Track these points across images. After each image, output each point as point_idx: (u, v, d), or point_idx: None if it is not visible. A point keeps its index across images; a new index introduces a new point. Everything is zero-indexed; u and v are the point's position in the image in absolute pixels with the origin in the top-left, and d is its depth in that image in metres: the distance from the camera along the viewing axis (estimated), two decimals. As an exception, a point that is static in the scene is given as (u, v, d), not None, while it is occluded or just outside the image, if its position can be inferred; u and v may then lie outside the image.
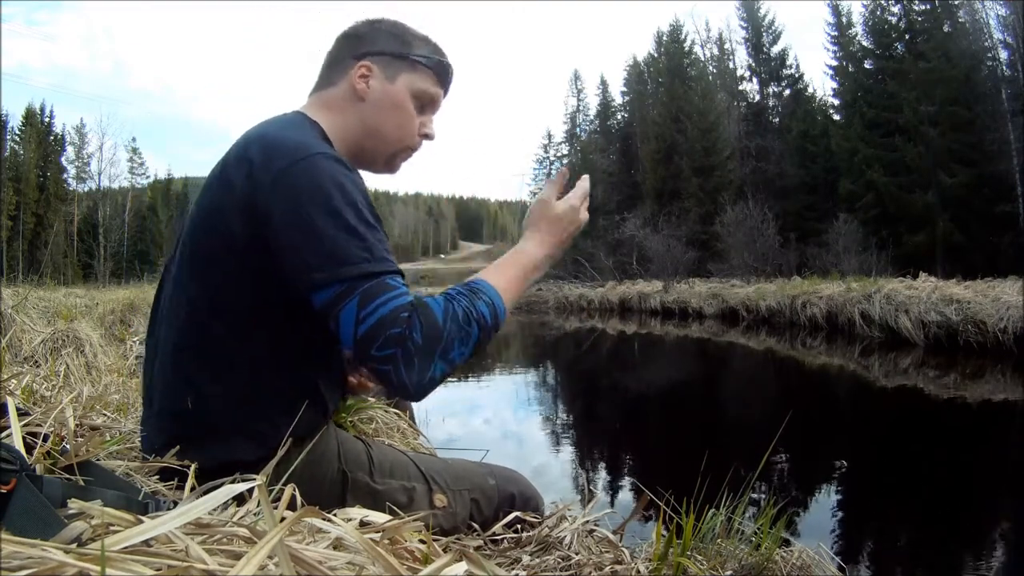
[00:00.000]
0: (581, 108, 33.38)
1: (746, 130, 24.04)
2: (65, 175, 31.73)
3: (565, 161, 32.95)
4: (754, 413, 3.92)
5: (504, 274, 0.84)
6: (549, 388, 5.77)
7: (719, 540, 0.87)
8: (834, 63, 21.75)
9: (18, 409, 0.72)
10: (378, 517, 0.64)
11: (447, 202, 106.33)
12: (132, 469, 0.91)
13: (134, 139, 43.25)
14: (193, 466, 0.82)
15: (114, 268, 26.62)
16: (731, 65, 25.87)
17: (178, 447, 0.81)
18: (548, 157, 34.29)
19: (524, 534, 0.91)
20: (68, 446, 0.70)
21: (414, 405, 1.45)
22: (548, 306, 15.98)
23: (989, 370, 4.74)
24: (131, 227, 32.59)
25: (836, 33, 21.70)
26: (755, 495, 1.79)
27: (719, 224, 17.58)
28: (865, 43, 19.64)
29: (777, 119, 24.25)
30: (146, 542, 0.43)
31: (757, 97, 25.17)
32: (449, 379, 0.78)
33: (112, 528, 0.47)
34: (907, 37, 18.03)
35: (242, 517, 0.57)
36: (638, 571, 0.78)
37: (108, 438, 1.00)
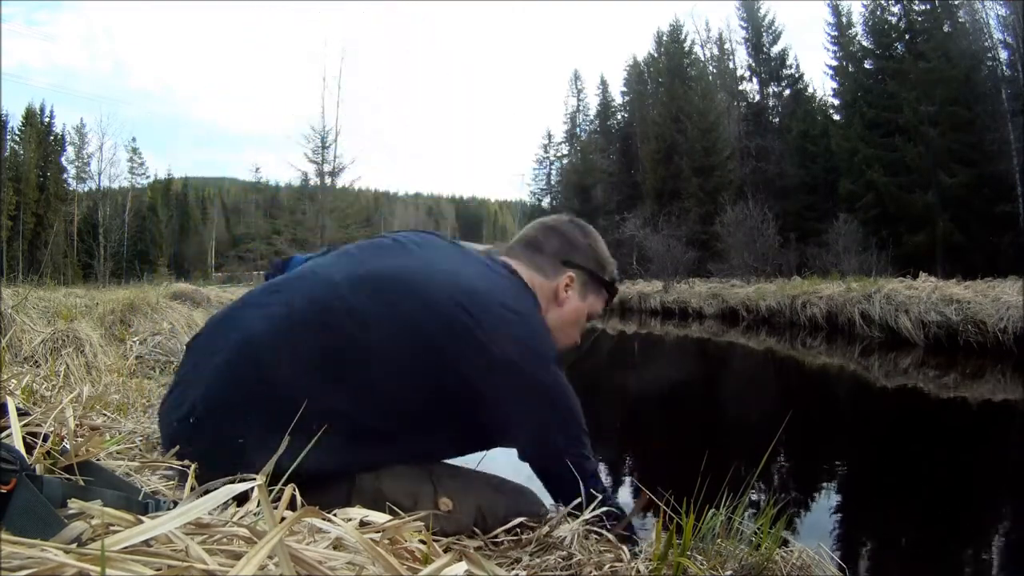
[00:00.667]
0: (581, 108, 33.42)
1: (746, 130, 24.05)
2: (65, 175, 31.76)
3: (565, 161, 32.96)
4: (754, 413, 3.92)
5: None
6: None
7: (719, 540, 0.87)
8: (834, 63, 21.77)
9: (18, 409, 0.72)
10: (378, 517, 0.64)
11: (447, 202, 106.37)
12: (132, 469, 0.91)
13: (134, 139, 43.29)
14: (193, 466, 0.82)
15: (114, 268, 26.63)
16: (731, 65, 25.90)
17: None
18: (548, 157, 34.31)
19: (524, 535, 0.91)
20: (68, 446, 0.70)
21: None
22: (548, 306, 15.93)
23: (989, 370, 4.74)
24: (131, 227, 32.60)
25: (836, 33, 21.71)
26: (755, 495, 1.80)
27: (719, 224, 17.58)
28: (865, 43, 19.65)
29: (777, 119, 24.26)
30: (146, 542, 0.43)
31: (757, 97, 25.19)
32: None
33: (112, 528, 0.47)
34: (907, 37, 18.04)
35: (242, 517, 0.57)
36: (638, 571, 0.78)
37: (108, 438, 1.00)
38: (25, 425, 0.73)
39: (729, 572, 0.81)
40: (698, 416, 3.91)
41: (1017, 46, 15.43)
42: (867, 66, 19.40)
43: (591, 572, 0.79)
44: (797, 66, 24.34)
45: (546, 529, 0.89)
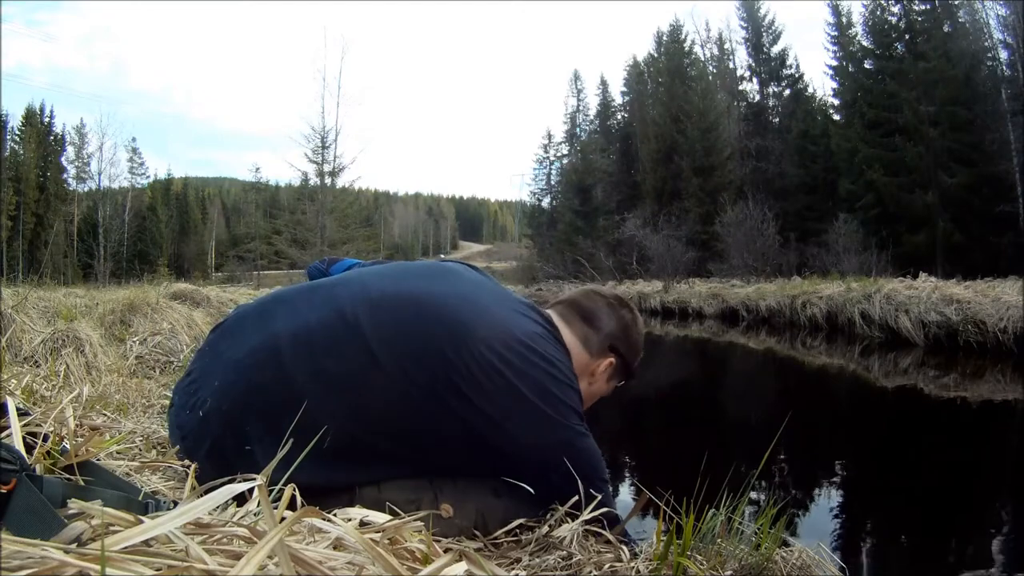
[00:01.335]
0: (581, 108, 33.40)
1: (746, 130, 24.04)
2: (65, 175, 31.73)
3: (565, 161, 32.96)
4: (754, 413, 3.91)
5: None
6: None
7: (719, 540, 0.86)
8: (834, 63, 21.75)
9: (18, 409, 0.72)
10: (378, 517, 0.64)
11: (447, 202, 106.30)
12: (132, 469, 0.91)
13: (134, 139, 43.10)
14: (193, 466, 0.82)
15: (114, 268, 26.61)
16: (731, 65, 25.88)
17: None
18: (548, 157, 34.30)
19: (524, 536, 0.91)
20: (68, 446, 0.70)
21: None
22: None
23: (989, 370, 4.74)
24: (131, 227, 32.56)
25: (836, 33, 21.69)
26: (755, 495, 1.79)
27: (719, 224, 17.57)
28: (865, 43, 19.63)
29: (777, 119, 24.24)
30: (146, 542, 0.43)
31: (757, 97, 25.16)
32: None
33: (112, 528, 0.47)
34: (907, 37, 18.02)
35: (242, 517, 0.57)
36: (638, 571, 0.78)
37: (108, 438, 1.00)
38: (25, 425, 0.73)
39: (729, 572, 0.81)
40: (698, 416, 3.90)
41: (1017, 46, 15.41)
42: (867, 66, 19.38)
43: (591, 572, 0.79)
44: (797, 66, 24.33)
45: (545, 529, 0.89)
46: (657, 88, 27.69)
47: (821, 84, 36.75)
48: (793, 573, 0.83)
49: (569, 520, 0.89)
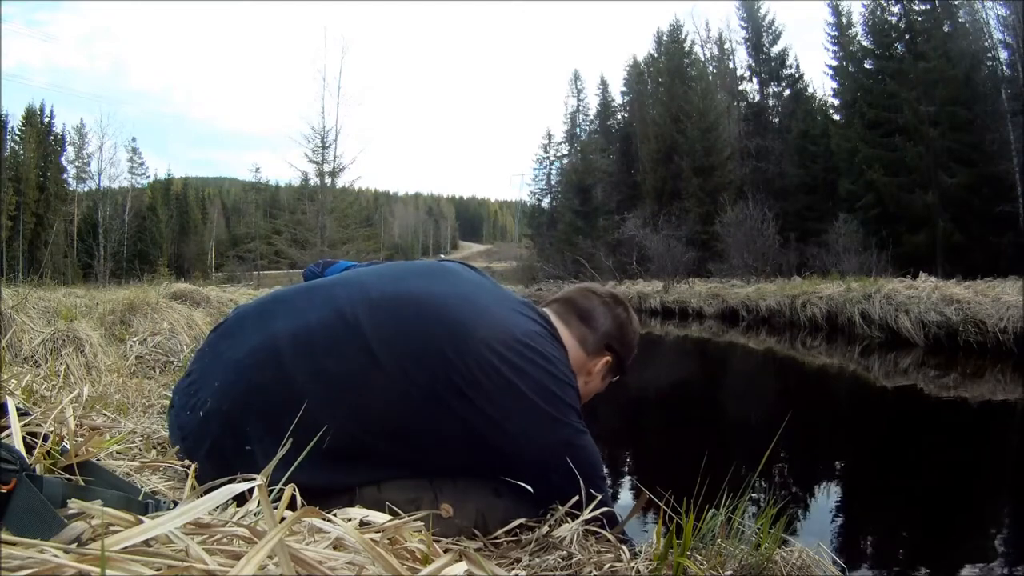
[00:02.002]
0: (581, 108, 33.41)
1: (746, 130, 24.04)
2: (65, 175, 31.73)
3: (565, 161, 32.96)
4: (754, 413, 3.91)
5: None
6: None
7: (719, 540, 0.86)
8: (834, 63, 21.76)
9: (18, 409, 0.72)
10: (378, 517, 0.64)
11: (447, 202, 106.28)
12: (132, 469, 0.91)
13: (134, 139, 43.12)
14: (193, 466, 0.82)
15: (114, 268, 26.61)
16: (731, 65, 25.88)
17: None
18: (548, 157, 34.30)
19: (524, 536, 0.91)
20: (68, 446, 0.70)
21: None
22: (548, 306, 15.91)
23: (989, 370, 4.74)
24: (131, 227, 32.56)
25: (836, 33, 21.69)
26: (755, 495, 1.79)
27: (719, 224, 17.58)
28: (865, 43, 19.63)
29: (777, 119, 24.24)
30: (146, 542, 0.43)
31: (757, 97, 25.16)
32: None
33: (112, 528, 0.47)
34: (907, 37, 18.02)
35: (242, 517, 0.57)
36: (638, 571, 0.78)
37: (108, 438, 1.00)
38: (25, 425, 0.73)
39: (729, 572, 0.81)
40: (698, 416, 3.90)
41: (1017, 46, 15.41)
42: (867, 66, 19.38)
43: (591, 572, 0.79)
44: (797, 66, 24.34)
45: (545, 529, 0.89)
46: (657, 88, 27.70)
47: (821, 84, 36.78)
48: (793, 573, 0.83)
49: (569, 520, 0.89)
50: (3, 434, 0.66)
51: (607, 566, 0.80)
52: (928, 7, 17.75)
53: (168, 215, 38.96)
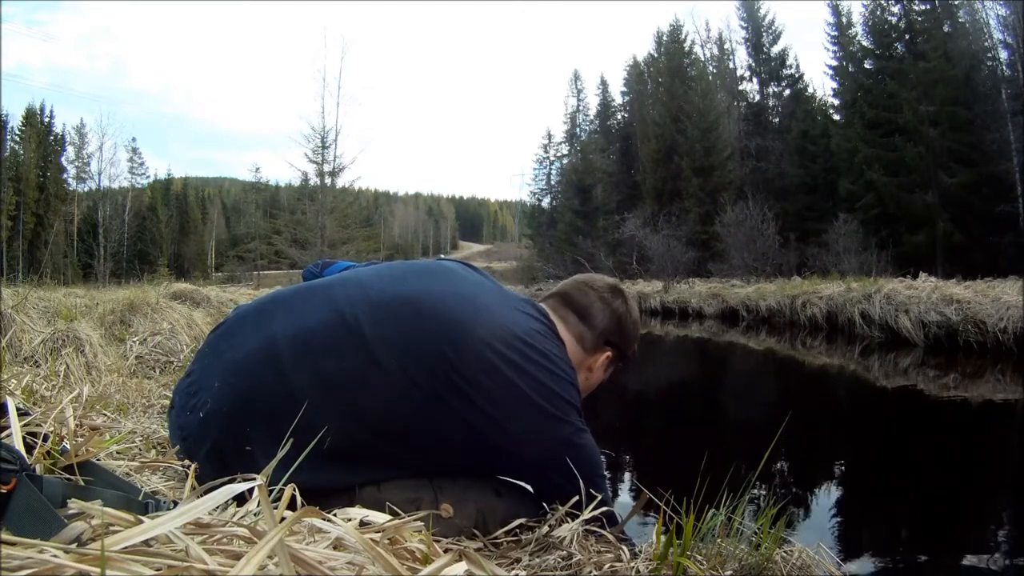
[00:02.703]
0: (581, 108, 33.41)
1: (746, 130, 24.04)
2: (65, 175, 31.74)
3: (565, 161, 32.96)
4: (754, 413, 3.91)
5: None
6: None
7: (719, 540, 0.86)
8: (834, 63, 21.75)
9: (18, 409, 0.72)
10: (378, 517, 0.64)
11: (447, 202, 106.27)
12: (132, 469, 0.91)
13: (134, 139, 43.14)
14: (193, 466, 0.82)
15: (114, 268, 26.61)
16: (731, 65, 25.88)
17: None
18: (548, 157, 34.31)
19: (524, 535, 0.91)
20: (68, 446, 0.70)
21: None
22: (548, 306, 15.91)
23: (989, 370, 4.74)
24: (131, 227, 32.56)
25: (836, 33, 21.69)
26: (755, 495, 1.79)
27: (719, 224, 17.58)
28: (865, 43, 19.64)
29: (777, 119, 24.24)
30: (146, 542, 0.43)
31: (757, 97, 25.17)
32: None
33: (112, 528, 0.47)
34: (907, 37, 18.02)
35: (242, 517, 0.57)
36: (638, 571, 0.78)
37: (108, 438, 1.00)
38: (25, 425, 0.73)
39: (729, 572, 0.81)
40: (698, 416, 3.90)
41: (1017, 46, 15.41)
42: (867, 66, 19.38)
43: (591, 572, 0.79)
44: (797, 66, 24.34)
45: (546, 529, 0.89)
46: (657, 88, 27.69)
47: (821, 84, 36.83)
48: (793, 573, 0.83)
49: (569, 520, 0.89)
50: (3, 434, 0.66)
51: (607, 566, 0.80)
52: (928, 7, 17.75)
53: (168, 215, 38.96)
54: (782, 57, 24.31)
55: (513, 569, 0.80)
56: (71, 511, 0.51)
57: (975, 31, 16.78)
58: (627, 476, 2.58)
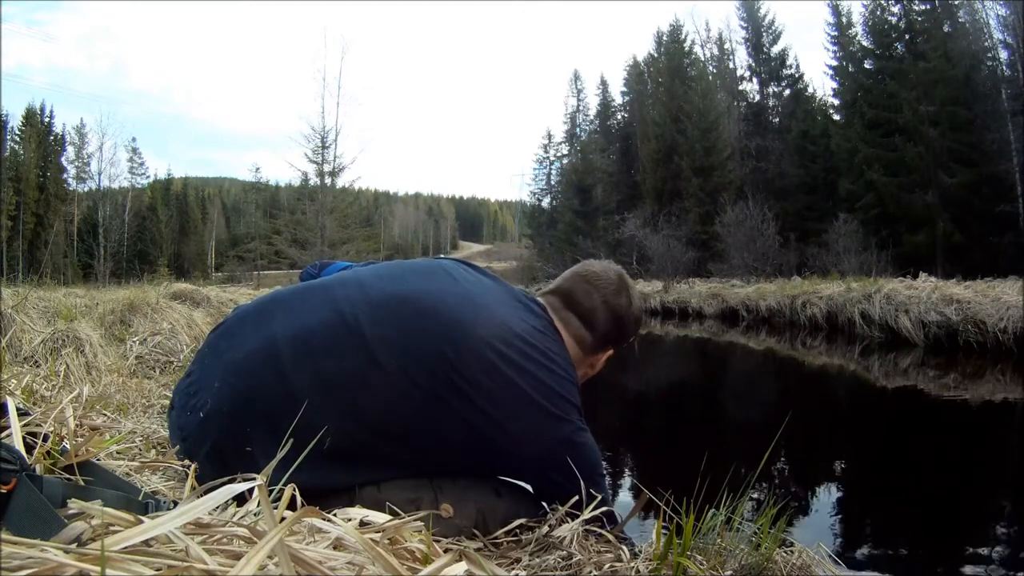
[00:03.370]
0: (581, 108, 33.38)
1: (746, 130, 24.03)
2: (65, 175, 31.71)
3: (565, 161, 32.96)
4: (754, 413, 3.91)
5: None
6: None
7: (719, 540, 0.86)
8: (834, 63, 21.74)
9: (18, 409, 0.72)
10: (378, 517, 0.64)
11: (447, 202, 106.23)
12: (132, 469, 0.91)
13: (134, 139, 43.10)
14: (193, 466, 0.82)
15: (114, 268, 26.61)
16: (731, 65, 25.87)
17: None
18: (548, 157, 34.28)
19: (524, 536, 0.91)
20: (68, 446, 0.70)
21: None
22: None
23: (989, 370, 4.74)
24: (131, 227, 32.55)
25: (836, 33, 21.69)
26: (755, 495, 1.80)
27: (719, 224, 17.58)
28: (865, 43, 19.63)
29: (777, 119, 24.23)
30: (146, 542, 0.43)
31: (757, 97, 25.16)
32: None
33: (112, 528, 0.47)
34: (907, 37, 18.02)
35: (242, 517, 0.57)
36: (638, 571, 0.78)
37: (108, 438, 1.00)
38: (25, 425, 0.73)
39: (729, 572, 0.81)
40: (698, 416, 3.90)
41: (1017, 46, 15.41)
42: (867, 66, 19.38)
43: (591, 572, 0.78)
44: (797, 66, 24.32)
45: (546, 529, 0.89)
46: (657, 88, 27.67)
47: (821, 84, 36.79)
48: (793, 573, 0.83)
49: (569, 520, 0.89)
50: (3, 434, 0.66)
51: (607, 566, 0.80)
52: (928, 7, 17.75)
53: (168, 215, 38.94)
54: (782, 57, 24.30)
55: (513, 569, 0.80)
56: (71, 511, 0.51)
57: (975, 31, 16.78)
58: (627, 476, 2.58)
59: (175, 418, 0.97)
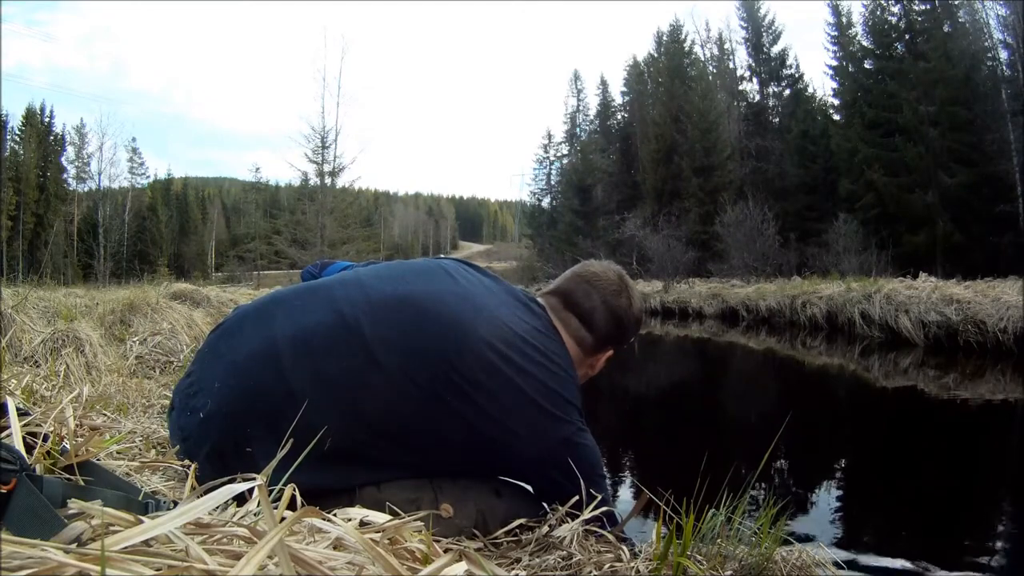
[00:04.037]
0: (581, 108, 33.39)
1: (746, 130, 24.03)
2: (65, 175, 31.74)
3: (565, 161, 32.95)
4: (754, 413, 3.91)
5: None
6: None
7: (719, 540, 0.86)
8: (834, 63, 21.76)
9: (18, 409, 0.71)
10: (378, 517, 0.64)
11: (447, 202, 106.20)
12: (132, 469, 0.91)
13: (134, 139, 43.09)
14: (193, 466, 0.82)
15: (114, 268, 26.63)
16: (731, 65, 25.88)
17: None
18: (548, 157, 34.28)
19: (524, 536, 0.91)
20: (68, 446, 0.70)
21: None
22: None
23: (989, 370, 4.74)
24: (131, 227, 32.56)
25: (836, 33, 21.69)
26: (755, 495, 1.80)
27: (719, 224, 17.57)
28: (865, 43, 19.63)
29: (777, 119, 24.24)
30: (146, 542, 0.43)
31: (757, 97, 25.17)
32: None
33: (112, 528, 0.47)
34: (907, 37, 18.03)
35: (242, 517, 0.57)
36: (638, 571, 0.78)
37: (108, 438, 1.00)
38: (25, 425, 0.72)
39: (729, 572, 0.81)
40: (698, 416, 3.90)
41: (1017, 46, 15.41)
42: (867, 66, 19.38)
43: (591, 572, 0.78)
44: (797, 66, 24.34)
45: (546, 529, 0.89)
46: (657, 88, 27.68)
47: (821, 84, 36.82)
48: (793, 573, 0.83)
49: (569, 520, 0.89)
50: (3, 434, 0.66)
51: (607, 566, 0.80)
52: (928, 7, 17.75)
53: (168, 215, 38.95)
54: (782, 57, 24.31)
55: (513, 569, 0.80)
56: (71, 511, 0.51)
57: (975, 31, 16.78)
58: (627, 476, 2.58)
59: (175, 418, 0.97)
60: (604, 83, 32.39)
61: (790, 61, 24.31)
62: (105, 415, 1.43)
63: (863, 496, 2.29)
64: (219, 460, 0.85)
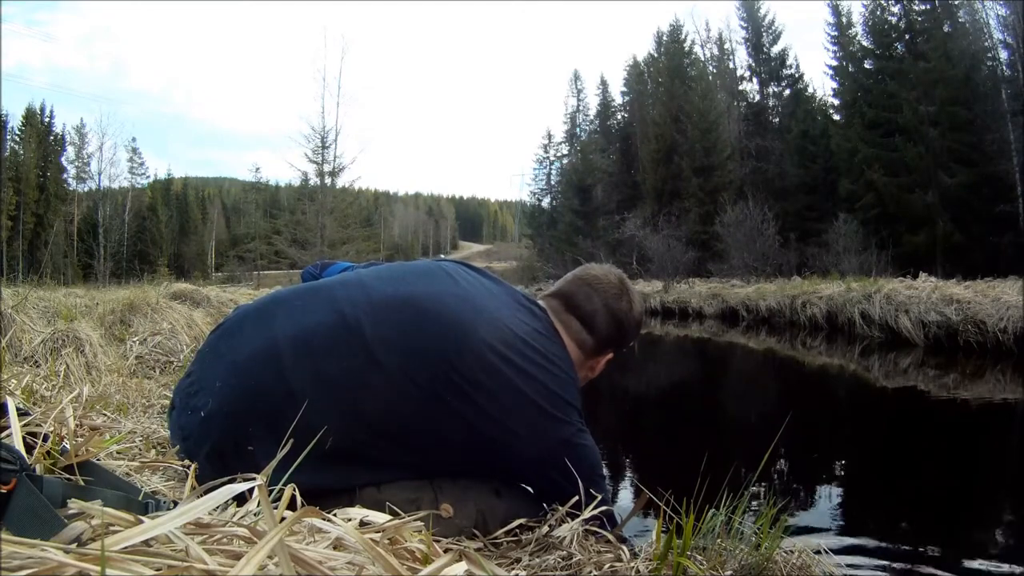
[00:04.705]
0: (581, 108, 33.40)
1: (746, 130, 24.04)
2: (65, 175, 31.75)
3: (565, 161, 32.96)
4: (754, 413, 3.91)
5: None
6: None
7: (719, 540, 0.86)
8: (834, 63, 21.76)
9: (18, 409, 0.71)
10: (378, 517, 0.64)
11: (447, 202, 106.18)
12: (132, 469, 0.91)
13: (134, 139, 43.09)
14: (193, 466, 0.82)
15: (114, 268, 26.62)
16: (731, 65, 25.89)
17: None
18: (548, 157, 34.30)
19: (524, 536, 0.91)
20: (68, 446, 0.70)
21: None
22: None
23: (989, 370, 4.74)
24: (131, 227, 32.56)
25: (836, 33, 21.69)
26: (755, 494, 1.80)
27: (719, 224, 17.58)
28: (865, 43, 19.64)
29: (777, 119, 24.25)
30: (146, 542, 0.43)
31: (757, 97, 25.17)
32: None
33: (112, 528, 0.47)
34: (907, 37, 18.03)
35: (242, 517, 0.57)
36: (638, 571, 0.78)
37: (108, 438, 1.00)
38: (25, 425, 0.72)
39: (729, 572, 0.81)
40: (698, 416, 3.90)
41: (1017, 46, 15.41)
42: (867, 66, 19.39)
43: (591, 572, 0.78)
44: (797, 66, 24.35)
45: (546, 529, 0.89)
46: (657, 88, 27.68)
47: (821, 84, 36.83)
48: (793, 573, 0.83)
49: (569, 520, 0.89)
50: (3, 434, 0.66)
51: (607, 566, 0.80)
52: (928, 7, 17.75)
53: (168, 215, 38.96)
54: (782, 57, 24.31)
55: (513, 569, 0.80)
56: (71, 511, 0.51)
57: (975, 31, 16.78)
58: (627, 476, 2.58)
59: (176, 418, 0.97)
60: (604, 83, 32.44)
61: (790, 61, 24.34)
62: (105, 415, 1.43)
63: (863, 496, 2.29)
64: (219, 460, 0.85)
